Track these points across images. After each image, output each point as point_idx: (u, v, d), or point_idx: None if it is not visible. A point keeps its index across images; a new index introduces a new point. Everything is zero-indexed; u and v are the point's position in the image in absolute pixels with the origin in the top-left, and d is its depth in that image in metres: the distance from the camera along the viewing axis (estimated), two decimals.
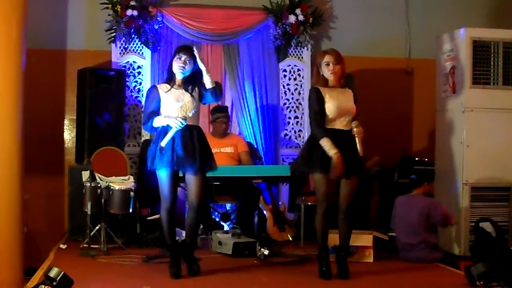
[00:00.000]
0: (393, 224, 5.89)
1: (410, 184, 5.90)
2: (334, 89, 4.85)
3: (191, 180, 4.83)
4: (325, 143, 4.67)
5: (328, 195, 4.81)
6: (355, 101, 4.89)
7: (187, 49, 4.88)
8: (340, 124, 4.79)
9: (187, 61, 4.80)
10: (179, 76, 4.84)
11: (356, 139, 4.73)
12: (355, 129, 4.73)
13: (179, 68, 4.80)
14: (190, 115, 4.78)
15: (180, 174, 4.88)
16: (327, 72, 4.84)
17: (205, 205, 6.16)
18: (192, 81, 4.86)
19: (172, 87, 4.83)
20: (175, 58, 4.83)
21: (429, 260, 5.56)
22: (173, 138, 4.71)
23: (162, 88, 4.85)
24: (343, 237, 4.93)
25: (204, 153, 4.82)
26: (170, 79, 4.89)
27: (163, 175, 4.76)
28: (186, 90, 4.83)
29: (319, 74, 4.89)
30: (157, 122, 4.78)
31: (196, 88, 4.87)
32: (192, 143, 4.75)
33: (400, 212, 5.79)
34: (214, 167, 4.89)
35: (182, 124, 4.67)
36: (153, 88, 4.94)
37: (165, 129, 4.76)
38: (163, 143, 4.71)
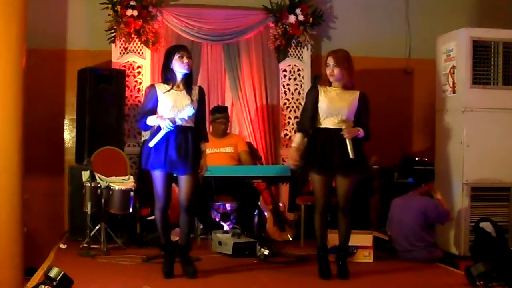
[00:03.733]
0: (389, 227, 5.89)
1: (408, 186, 5.91)
2: (335, 89, 4.87)
3: (182, 180, 4.81)
4: (296, 137, 4.97)
5: (325, 194, 4.83)
6: (363, 104, 4.87)
7: (185, 48, 4.88)
8: (330, 123, 4.81)
9: (190, 60, 4.78)
10: (181, 75, 4.79)
11: (347, 141, 4.73)
12: (343, 131, 4.74)
13: (184, 67, 4.75)
14: (187, 118, 4.74)
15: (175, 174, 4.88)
16: (327, 73, 4.86)
17: (205, 205, 6.17)
18: (189, 81, 4.85)
19: (172, 88, 4.79)
20: (177, 57, 4.76)
21: (429, 260, 5.56)
22: (167, 139, 4.69)
23: (161, 88, 4.80)
24: (342, 237, 4.94)
25: (196, 155, 4.79)
26: (168, 79, 4.81)
27: (157, 175, 4.76)
28: (186, 92, 4.80)
29: (325, 72, 4.92)
30: (150, 121, 4.76)
31: (198, 89, 4.87)
32: (186, 145, 4.72)
33: (397, 214, 5.80)
34: (197, 168, 4.83)
35: (171, 127, 4.64)
36: (152, 87, 4.88)
37: (160, 129, 4.74)
38: (151, 144, 4.70)
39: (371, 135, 4.91)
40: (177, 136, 4.71)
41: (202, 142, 4.91)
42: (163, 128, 4.66)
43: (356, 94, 4.89)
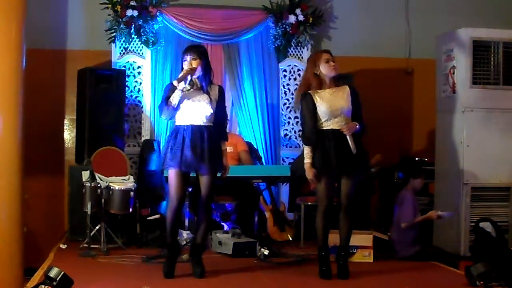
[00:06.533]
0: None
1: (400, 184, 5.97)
2: (327, 90, 4.85)
3: (200, 179, 4.82)
4: (306, 151, 4.83)
5: (328, 195, 4.83)
6: (355, 97, 4.87)
7: (190, 48, 4.87)
8: (334, 125, 4.79)
9: (193, 61, 4.75)
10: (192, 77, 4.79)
11: (347, 137, 4.73)
12: (343, 127, 4.75)
13: (187, 71, 4.73)
14: (205, 119, 4.75)
15: (193, 174, 4.86)
16: (328, 68, 4.84)
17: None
18: (206, 80, 4.81)
19: (191, 87, 4.79)
20: (183, 61, 4.79)
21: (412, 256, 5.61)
22: (183, 139, 4.70)
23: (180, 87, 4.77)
24: (343, 237, 4.94)
25: (213, 153, 4.77)
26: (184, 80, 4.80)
27: (171, 175, 4.75)
28: (204, 91, 4.78)
29: (313, 76, 4.86)
30: (172, 97, 4.71)
31: (217, 89, 4.86)
32: (201, 144, 4.71)
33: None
34: (220, 168, 4.86)
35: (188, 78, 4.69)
36: (171, 84, 4.83)
37: (177, 129, 4.76)
38: (177, 82, 4.67)
39: (366, 128, 4.88)
40: (193, 135, 4.71)
41: (222, 142, 4.89)
42: (186, 71, 4.69)
43: (346, 89, 4.89)
